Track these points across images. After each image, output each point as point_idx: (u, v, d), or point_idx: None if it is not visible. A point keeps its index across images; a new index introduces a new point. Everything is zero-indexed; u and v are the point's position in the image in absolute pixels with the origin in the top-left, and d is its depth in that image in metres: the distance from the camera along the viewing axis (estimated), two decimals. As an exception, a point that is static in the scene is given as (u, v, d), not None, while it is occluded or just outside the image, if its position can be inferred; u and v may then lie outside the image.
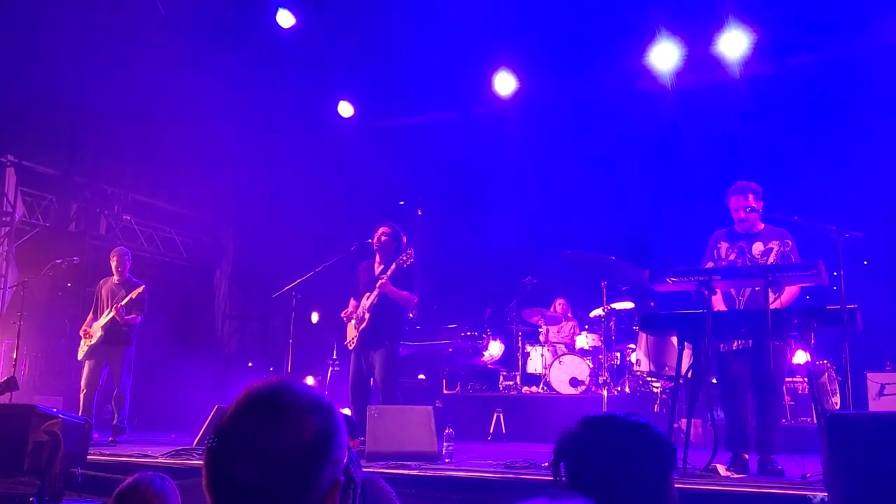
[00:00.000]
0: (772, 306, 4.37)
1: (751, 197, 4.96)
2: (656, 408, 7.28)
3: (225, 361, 10.93)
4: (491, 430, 7.88)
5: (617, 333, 8.38)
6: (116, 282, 7.27)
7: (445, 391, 8.92)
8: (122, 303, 6.99)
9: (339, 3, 9.09)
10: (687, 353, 4.56)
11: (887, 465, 2.94)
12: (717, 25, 8.23)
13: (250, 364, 11.13)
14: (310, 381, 9.33)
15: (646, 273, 4.71)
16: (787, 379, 6.04)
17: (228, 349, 11.36)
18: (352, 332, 6.12)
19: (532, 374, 8.75)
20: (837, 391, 7.11)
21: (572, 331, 9.07)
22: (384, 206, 10.36)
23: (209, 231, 11.37)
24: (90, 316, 7.28)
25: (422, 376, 9.39)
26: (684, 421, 5.29)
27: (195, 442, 5.68)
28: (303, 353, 7.90)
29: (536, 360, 8.76)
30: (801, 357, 5.18)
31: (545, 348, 8.74)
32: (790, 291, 4.80)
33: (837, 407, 6.99)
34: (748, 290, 4.90)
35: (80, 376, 7.13)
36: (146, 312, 7.26)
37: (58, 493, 4.37)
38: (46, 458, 4.34)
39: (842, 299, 4.22)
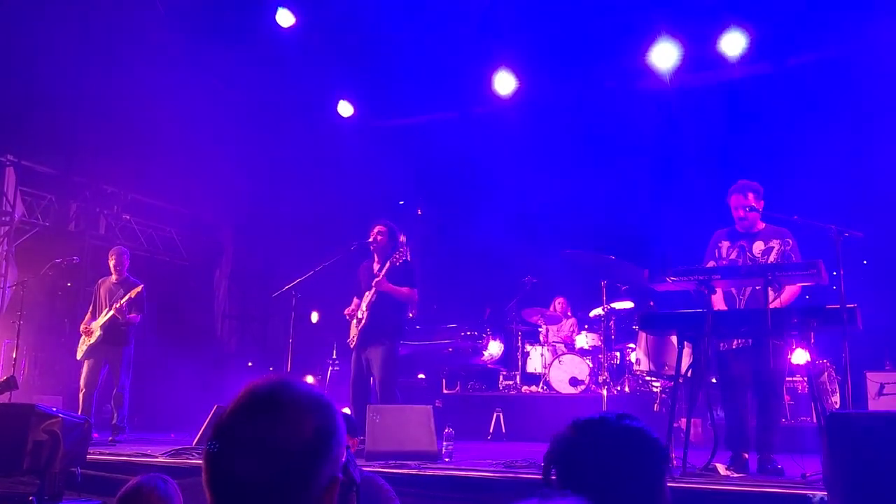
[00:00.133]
0: (772, 305, 4.38)
1: (750, 196, 4.97)
2: (656, 407, 7.28)
3: (224, 361, 10.92)
4: (491, 430, 7.88)
5: (617, 333, 8.38)
6: (115, 281, 7.27)
7: (445, 391, 8.92)
8: (122, 301, 6.98)
9: (339, 3, 9.08)
10: (687, 352, 4.56)
11: (887, 464, 2.94)
12: (717, 25, 8.23)
13: (250, 364, 11.13)
14: (309, 380, 9.33)
15: (645, 272, 4.70)
16: (787, 378, 6.04)
17: (228, 349, 11.35)
18: (353, 331, 6.15)
19: (532, 374, 8.75)
20: (837, 391, 7.11)
21: (572, 330, 9.07)
22: (384, 205, 10.35)
23: (209, 231, 11.37)
24: (88, 315, 7.28)
25: (422, 376, 9.39)
26: (684, 420, 5.29)
27: (195, 441, 5.68)
28: (302, 353, 7.89)
29: (536, 359, 8.76)
30: (801, 357, 5.18)
31: (545, 348, 8.74)
32: (790, 291, 4.80)
33: (837, 406, 7.00)
34: (749, 290, 4.90)
35: (80, 376, 7.14)
36: (145, 312, 7.27)
37: (57, 493, 4.36)
38: (46, 457, 4.33)
39: (841, 299, 4.22)
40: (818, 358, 6.94)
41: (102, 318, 7.08)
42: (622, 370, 8.12)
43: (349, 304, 6.26)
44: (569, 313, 9.26)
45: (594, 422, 1.62)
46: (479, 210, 10.04)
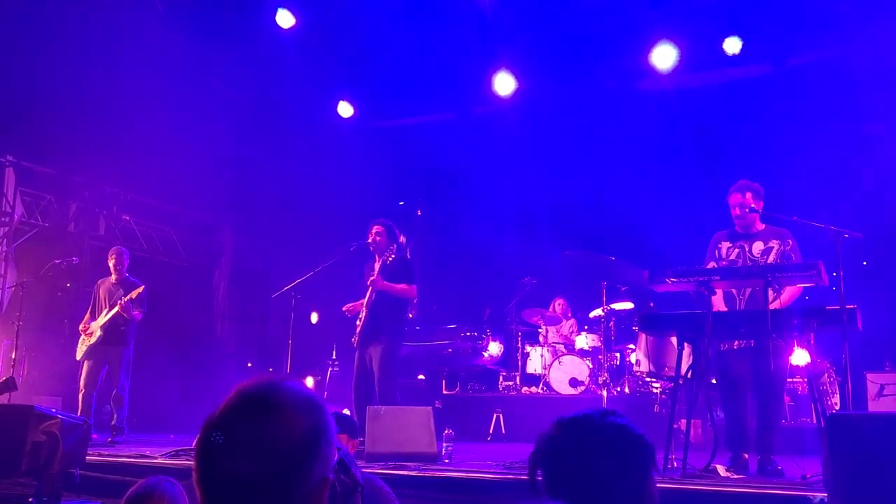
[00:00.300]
0: (772, 306, 4.37)
1: (749, 195, 4.96)
2: (656, 408, 7.27)
3: (224, 362, 10.91)
4: (490, 431, 7.88)
5: (616, 334, 8.38)
6: (114, 281, 7.26)
7: (445, 391, 8.92)
8: (125, 299, 6.96)
9: (339, 4, 9.07)
10: (687, 353, 4.56)
11: (887, 465, 2.94)
12: (717, 25, 8.22)
13: (249, 364, 11.12)
14: (309, 381, 9.32)
15: (645, 273, 4.70)
16: (787, 379, 6.03)
17: (227, 349, 11.34)
18: (357, 331, 6.20)
19: (532, 375, 8.74)
20: (837, 391, 7.12)
21: (572, 331, 9.07)
22: (384, 206, 10.34)
23: (208, 231, 11.36)
24: (87, 315, 7.27)
25: (421, 376, 9.38)
26: (684, 421, 5.28)
27: (194, 443, 5.67)
28: (302, 354, 7.88)
29: (536, 360, 8.75)
30: (801, 358, 5.17)
31: (545, 349, 8.74)
32: (791, 291, 4.79)
33: (837, 407, 7.00)
34: (749, 290, 4.89)
35: (79, 377, 7.13)
36: (146, 311, 7.26)
37: (56, 494, 4.36)
38: (45, 458, 4.33)
39: (841, 299, 4.22)
40: (818, 359, 6.93)
41: (102, 319, 7.07)
42: (622, 371, 8.11)
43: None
44: (569, 314, 9.25)
45: (578, 420, 1.60)
46: (479, 210, 10.04)
